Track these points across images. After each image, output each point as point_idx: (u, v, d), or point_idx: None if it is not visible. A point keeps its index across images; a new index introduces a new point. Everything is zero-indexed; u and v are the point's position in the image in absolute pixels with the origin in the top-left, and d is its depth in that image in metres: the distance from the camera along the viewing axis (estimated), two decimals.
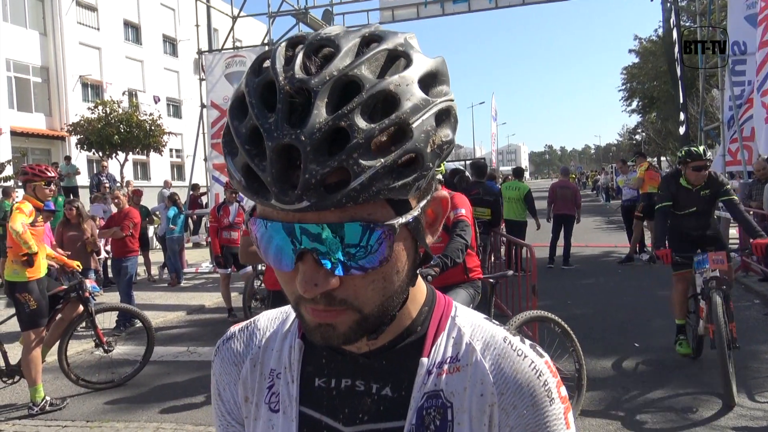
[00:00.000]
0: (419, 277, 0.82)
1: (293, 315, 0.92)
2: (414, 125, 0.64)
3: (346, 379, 0.83)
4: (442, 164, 4.49)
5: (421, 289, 0.84)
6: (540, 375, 0.79)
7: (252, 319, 0.97)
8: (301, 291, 0.68)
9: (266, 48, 11.41)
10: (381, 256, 0.67)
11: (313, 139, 0.60)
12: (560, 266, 11.57)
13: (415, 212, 0.69)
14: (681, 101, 13.39)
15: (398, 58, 0.67)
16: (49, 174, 5.52)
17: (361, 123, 0.62)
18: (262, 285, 8.22)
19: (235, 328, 0.97)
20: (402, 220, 0.67)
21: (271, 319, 0.94)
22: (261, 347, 0.91)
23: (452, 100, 0.70)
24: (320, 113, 0.61)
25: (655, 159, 45.12)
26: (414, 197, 0.70)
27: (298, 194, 0.61)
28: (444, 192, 0.77)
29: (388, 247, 0.67)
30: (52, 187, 5.58)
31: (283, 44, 0.69)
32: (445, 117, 0.68)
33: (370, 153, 0.62)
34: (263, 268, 6.03)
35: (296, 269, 0.68)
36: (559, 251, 11.91)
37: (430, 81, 0.68)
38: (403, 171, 0.64)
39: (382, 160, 0.62)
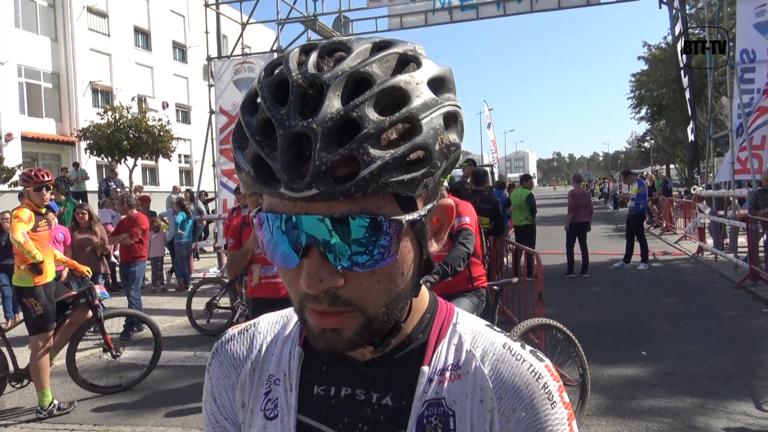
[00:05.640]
0: (422, 286, 0.81)
1: (294, 320, 0.91)
2: (423, 121, 0.64)
3: (346, 387, 0.82)
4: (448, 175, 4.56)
5: (423, 296, 0.83)
6: (539, 378, 0.78)
7: (252, 322, 0.95)
8: (305, 287, 0.67)
9: (275, 54, 11.42)
10: (387, 252, 0.66)
11: (325, 127, 0.61)
12: (580, 275, 11.53)
13: (422, 212, 0.69)
14: (689, 111, 13.36)
15: (409, 62, 0.68)
16: (42, 178, 5.41)
17: (372, 115, 0.62)
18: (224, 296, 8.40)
19: (234, 330, 0.95)
20: (409, 217, 0.67)
21: (271, 323, 0.93)
22: (261, 352, 0.90)
23: (459, 107, 0.71)
24: (332, 104, 0.62)
25: (664, 167, 44.99)
26: (421, 198, 0.70)
27: (308, 181, 0.61)
28: (449, 200, 0.77)
29: (395, 243, 0.67)
30: (44, 192, 5.44)
31: (296, 49, 0.70)
32: (452, 121, 0.69)
33: (379, 144, 0.62)
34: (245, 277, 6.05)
35: (301, 266, 0.68)
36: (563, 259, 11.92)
37: (438, 85, 0.69)
38: (411, 166, 0.64)
39: (392, 151, 0.62)
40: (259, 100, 0.68)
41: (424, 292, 0.85)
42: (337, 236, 0.65)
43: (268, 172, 0.65)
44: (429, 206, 0.71)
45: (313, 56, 0.67)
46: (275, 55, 14.80)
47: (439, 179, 0.70)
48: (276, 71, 0.68)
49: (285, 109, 0.64)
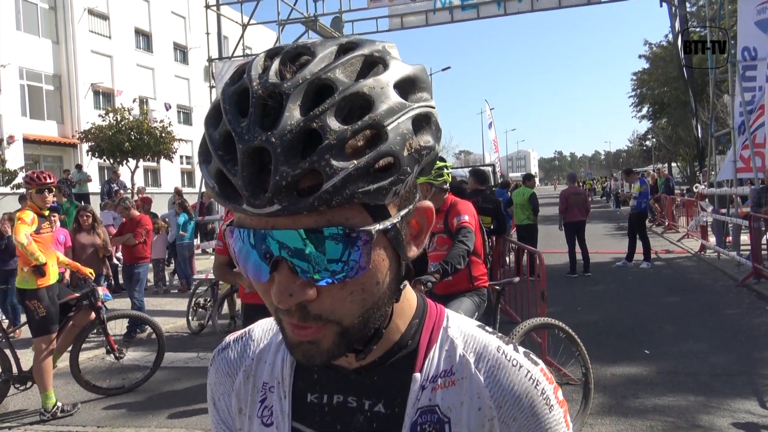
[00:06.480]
0: (408, 288, 0.80)
1: None
2: (389, 128, 0.62)
3: (338, 395, 0.81)
4: (446, 174, 4.48)
5: (410, 301, 0.83)
6: (537, 384, 0.78)
7: (247, 329, 0.96)
8: (276, 301, 0.66)
9: None
10: (358, 264, 0.65)
11: (284, 140, 0.59)
12: (582, 274, 11.54)
13: (394, 220, 0.67)
14: (693, 107, 13.35)
15: (375, 64, 0.66)
16: (44, 180, 5.40)
17: (334, 124, 0.60)
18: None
19: (230, 338, 0.96)
20: (379, 226, 0.65)
21: (265, 330, 0.93)
22: (254, 359, 0.90)
23: (432, 107, 0.68)
24: (292, 115, 0.60)
25: (666, 165, 44.98)
26: (393, 204, 0.68)
27: (269, 197, 0.60)
28: (428, 202, 0.75)
29: (366, 254, 0.65)
30: (46, 194, 5.42)
31: (262, 54, 0.68)
32: (424, 123, 0.67)
33: (343, 155, 0.60)
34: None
35: (272, 279, 0.66)
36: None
37: (407, 86, 0.67)
38: (378, 174, 0.62)
39: (356, 162, 0.60)
40: None
41: (412, 295, 0.84)
42: (304, 250, 0.64)
43: (232, 187, 0.63)
44: (403, 212, 0.69)
45: (276, 63, 0.65)
46: None
47: (413, 184, 0.69)
48: (240, 80, 0.66)
49: (245, 122, 0.62)
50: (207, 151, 0.67)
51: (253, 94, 0.63)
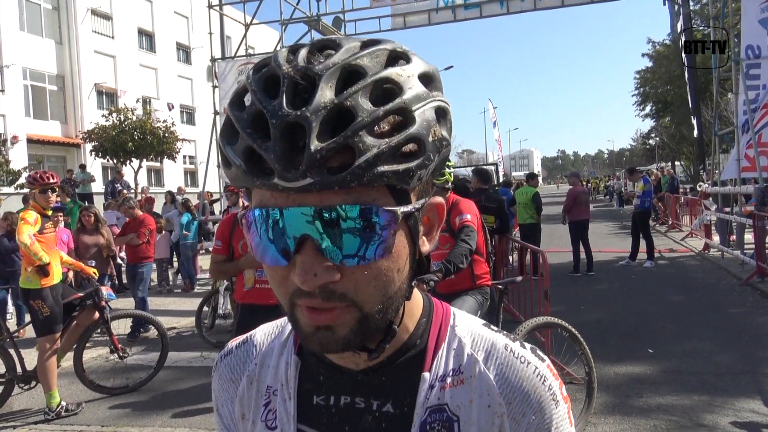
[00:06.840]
0: (415, 289, 0.80)
1: (289, 328, 0.90)
2: (416, 112, 0.64)
3: (346, 396, 0.81)
4: (447, 173, 4.47)
5: (417, 301, 0.83)
6: (544, 380, 0.79)
7: (249, 334, 0.95)
8: (300, 282, 0.65)
9: None
10: (383, 245, 0.65)
11: (319, 116, 0.61)
12: (585, 273, 11.53)
13: (416, 206, 0.69)
14: (692, 105, 13.34)
15: (399, 58, 0.68)
16: (47, 180, 5.40)
17: (366, 105, 0.62)
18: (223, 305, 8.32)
19: (232, 344, 0.95)
20: (403, 209, 0.67)
21: (267, 334, 0.93)
22: (258, 364, 0.90)
23: (448, 104, 0.71)
24: (325, 94, 0.62)
25: (669, 164, 44.88)
26: (414, 192, 0.69)
27: (303, 170, 0.60)
28: (439, 198, 0.76)
29: (390, 236, 0.66)
30: (49, 194, 5.43)
31: (284, 49, 0.69)
32: (442, 116, 0.69)
33: (374, 134, 0.62)
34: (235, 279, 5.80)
35: (293, 263, 0.66)
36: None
37: (427, 81, 0.69)
38: (406, 156, 0.64)
39: (387, 140, 0.62)
40: (247, 96, 0.67)
41: (418, 295, 0.84)
42: (331, 229, 0.64)
43: (261, 163, 0.64)
44: (422, 201, 0.71)
45: (303, 52, 0.67)
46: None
47: (431, 173, 0.70)
48: (264, 69, 0.68)
49: (277, 101, 0.63)
50: (232, 133, 0.67)
51: (284, 75, 0.64)
